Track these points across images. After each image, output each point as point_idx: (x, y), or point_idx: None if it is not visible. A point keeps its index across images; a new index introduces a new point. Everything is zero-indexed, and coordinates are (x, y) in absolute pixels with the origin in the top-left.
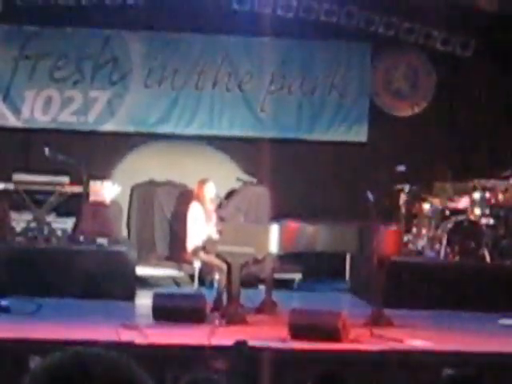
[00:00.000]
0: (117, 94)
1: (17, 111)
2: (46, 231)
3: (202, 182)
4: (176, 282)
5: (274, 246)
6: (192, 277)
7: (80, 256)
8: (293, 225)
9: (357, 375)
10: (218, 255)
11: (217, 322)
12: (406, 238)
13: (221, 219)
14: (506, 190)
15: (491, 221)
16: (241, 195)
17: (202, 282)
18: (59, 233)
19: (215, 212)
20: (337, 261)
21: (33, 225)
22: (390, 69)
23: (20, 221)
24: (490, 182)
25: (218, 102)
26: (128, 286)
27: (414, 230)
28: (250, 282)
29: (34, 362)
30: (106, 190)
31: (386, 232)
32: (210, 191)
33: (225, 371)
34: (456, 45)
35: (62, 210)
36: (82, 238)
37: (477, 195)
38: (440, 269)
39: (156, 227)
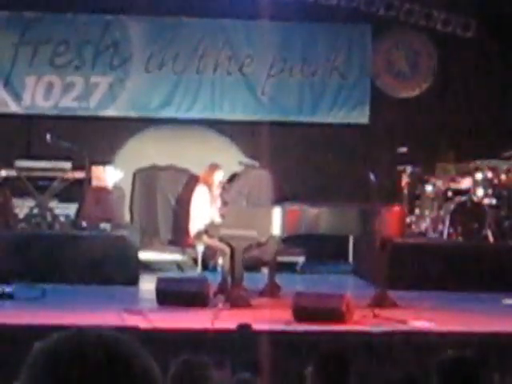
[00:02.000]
0: (118, 79)
1: (18, 98)
2: (48, 217)
3: (214, 167)
4: (179, 266)
5: (276, 229)
6: (195, 261)
7: (83, 241)
8: (295, 207)
9: (361, 356)
10: (221, 239)
11: (220, 305)
12: (408, 220)
13: (223, 203)
14: (508, 171)
15: (494, 201)
16: (243, 179)
17: (205, 266)
18: (62, 219)
19: (219, 196)
20: (340, 243)
21: (35, 211)
22: (390, 50)
23: (23, 207)
24: (493, 163)
25: (219, 85)
26: (131, 270)
27: (417, 211)
28: (253, 266)
29: None
30: (109, 175)
31: (388, 213)
32: (220, 177)
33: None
34: (457, 25)
35: (64, 196)
36: (84, 224)
37: (479, 176)
38: (443, 250)
39: (159, 212)
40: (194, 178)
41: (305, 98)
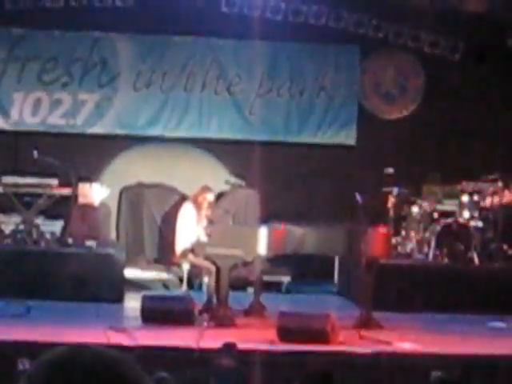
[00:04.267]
0: (105, 96)
1: (5, 114)
2: (34, 234)
3: (206, 189)
4: (165, 284)
5: (262, 249)
6: (181, 279)
7: (69, 258)
8: (281, 227)
9: (345, 377)
10: (207, 257)
11: (205, 324)
12: (394, 241)
13: (209, 222)
14: (494, 193)
15: (480, 223)
16: (229, 198)
17: (190, 285)
18: (48, 235)
19: (206, 218)
20: (325, 263)
21: (21, 227)
22: (378, 71)
23: (8, 223)
24: (479, 185)
25: (207, 104)
26: (116, 288)
27: (403, 232)
28: (239, 285)
29: (23, 364)
30: (95, 193)
31: (374, 234)
32: (210, 199)
33: (232, 369)
34: (444, 47)
35: (50, 213)
36: (70, 241)
37: (465, 198)
38: (429, 271)
39: (145, 230)
40: (178, 196)
41: (292, 118)
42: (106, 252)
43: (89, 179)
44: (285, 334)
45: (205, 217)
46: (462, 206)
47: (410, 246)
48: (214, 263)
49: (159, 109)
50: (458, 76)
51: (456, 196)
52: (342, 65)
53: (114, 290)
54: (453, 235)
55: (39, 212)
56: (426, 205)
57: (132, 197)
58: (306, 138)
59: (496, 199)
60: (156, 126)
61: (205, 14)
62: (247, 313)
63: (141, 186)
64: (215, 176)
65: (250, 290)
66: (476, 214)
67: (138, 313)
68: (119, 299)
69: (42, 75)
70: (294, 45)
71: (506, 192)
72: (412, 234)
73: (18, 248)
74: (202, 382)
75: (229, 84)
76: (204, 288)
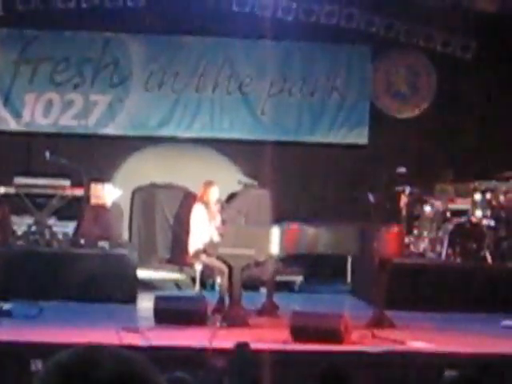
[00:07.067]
0: (117, 97)
1: (17, 115)
2: (47, 234)
3: (208, 184)
4: (177, 284)
5: (275, 249)
6: (193, 279)
7: (81, 259)
8: (294, 227)
9: (358, 377)
10: (220, 257)
11: (218, 324)
12: (407, 240)
13: (222, 222)
14: (507, 192)
15: (492, 222)
16: (242, 198)
17: (203, 285)
18: (60, 236)
19: (218, 213)
20: (338, 263)
21: (34, 228)
22: (390, 71)
23: (21, 224)
24: (491, 184)
25: (219, 104)
26: (129, 288)
27: (416, 231)
28: (252, 285)
29: (36, 365)
30: (107, 193)
31: (387, 234)
32: (215, 193)
33: (225, 370)
34: (456, 47)
35: (63, 214)
36: (83, 242)
37: (478, 197)
38: (441, 270)
39: (157, 230)
40: (190, 196)
41: (304, 118)
42: (118, 253)
43: (101, 180)
44: (298, 334)
45: (216, 213)
46: (474, 204)
47: (423, 245)
48: (226, 263)
49: (171, 109)
50: (470, 75)
51: (468, 195)
52: (354, 64)
53: (126, 290)
54: (465, 234)
55: (51, 213)
56: (438, 204)
57: (144, 197)
58: (318, 137)
59: (509, 198)
60: (168, 126)
61: (216, 13)
62: (260, 313)
63: (153, 186)
64: (227, 176)
65: (263, 289)
66: (489, 212)
67: (150, 313)
68: (132, 300)
69: (54, 76)
70: (305, 45)
71: None
72: (425, 233)
73: (31, 249)
74: (215, 381)
75: (240, 84)
76: (217, 288)
